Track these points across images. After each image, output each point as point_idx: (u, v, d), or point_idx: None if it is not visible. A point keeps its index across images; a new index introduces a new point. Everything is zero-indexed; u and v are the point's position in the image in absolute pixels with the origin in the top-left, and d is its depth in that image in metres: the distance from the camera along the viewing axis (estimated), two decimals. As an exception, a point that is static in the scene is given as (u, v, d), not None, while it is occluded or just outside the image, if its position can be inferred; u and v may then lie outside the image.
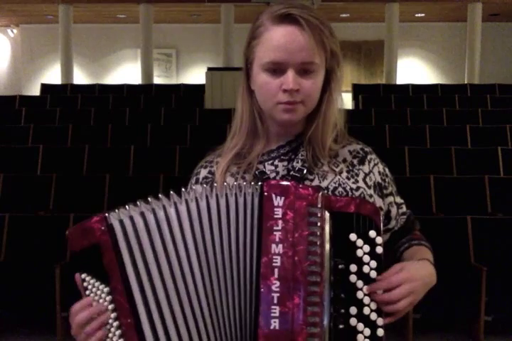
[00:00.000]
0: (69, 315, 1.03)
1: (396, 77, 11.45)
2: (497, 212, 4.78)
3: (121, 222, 1.00)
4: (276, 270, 0.95)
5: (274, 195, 0.97)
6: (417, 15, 12.70)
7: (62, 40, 11.54)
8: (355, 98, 9.80)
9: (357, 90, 9.98)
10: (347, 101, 10.06)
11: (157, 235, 0.99)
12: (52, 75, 13.09)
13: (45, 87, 10.67)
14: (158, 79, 13.12)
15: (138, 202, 1.01)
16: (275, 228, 0.96)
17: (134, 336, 0.97)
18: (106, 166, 5.65)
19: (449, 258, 3.78)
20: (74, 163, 5.80)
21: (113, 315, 0.99)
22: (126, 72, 13.93)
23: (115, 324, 0.99)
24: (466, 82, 10.93)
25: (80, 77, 13.45)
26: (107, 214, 1.00)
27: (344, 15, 12.49)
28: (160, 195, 1.02)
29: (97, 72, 14.02)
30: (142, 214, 1.00)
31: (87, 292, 1.01)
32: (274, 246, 0.95)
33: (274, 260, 0.95)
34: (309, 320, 0.94)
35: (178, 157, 5.79)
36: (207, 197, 1.00)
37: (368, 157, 1.19)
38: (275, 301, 0.94)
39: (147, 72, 11.63)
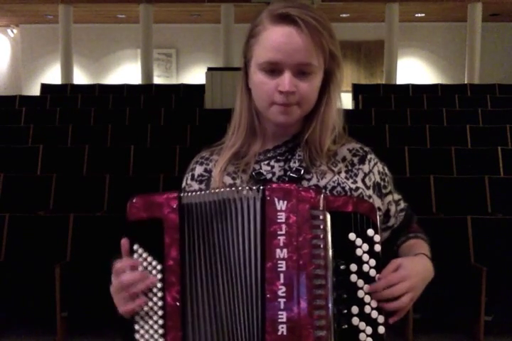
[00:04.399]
0: (112, 271, 1.02)
1: (396, 77, 11.44)
2: (497, 212, 4.77)
3: (193, 205, 0.99)
4: (281, 275, 0.94)
5: (276, 199, 0.96)
6: (417, 15, 12.70)
7: (62, 40, 11.54)
8: (355, 98, 9.79)
9: (357, 90, 9.97)
10: (347, 101, 10.05)
11: (212, 227, 0.99)
12: (52, 75, 13.09)
13: (45, 87, 10.66)
14: (158, 79, 13.11)
15: (213, 189, 1.01)
16: (279, 232, 0.95)
17: (177, 318, 0.97)
18: (106, 166, 5.65)
19: (449, 258, 3.78)
20: (74, 163, 5.79)
21: (160, 294, 0.98)
22: (126, 72, 13.92)
23: (160, 303, 0.98)
24: (466, 82, 10.92)
25: (80, 77, 13.44)
26: (181, 194, 1.00)
27: (344, 15, 12.48)
28: (227, 188, 1.01)
29: (97, 72, 14.02)
30: (216, 203, 0.99)
31: None
32: (278, 250, 0.94)
33: (279, 265, 0.94)
34: (316, 323, 0.93)
35: (178, 157, 5.79)
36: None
37: (368, 156, 1.18)
38: (281, 306, 0.93)
39: (147, 72, 11.62)
